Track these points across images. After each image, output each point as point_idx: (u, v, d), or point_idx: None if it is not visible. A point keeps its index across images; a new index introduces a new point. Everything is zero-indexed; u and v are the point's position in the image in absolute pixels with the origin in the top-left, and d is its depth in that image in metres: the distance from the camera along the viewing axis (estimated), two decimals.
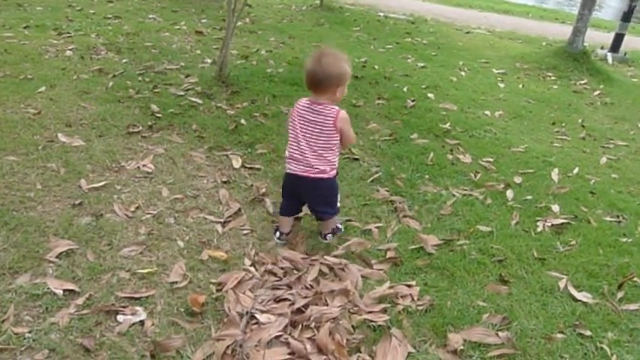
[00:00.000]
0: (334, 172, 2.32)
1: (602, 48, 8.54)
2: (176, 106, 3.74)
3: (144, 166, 2.92)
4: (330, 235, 2.45)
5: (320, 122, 2.22)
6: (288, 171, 2.33)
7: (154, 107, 3.67)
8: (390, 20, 8.74)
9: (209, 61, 4.92)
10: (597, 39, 9.00)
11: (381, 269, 2.30)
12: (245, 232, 2.47)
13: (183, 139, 3.32)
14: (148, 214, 2.50)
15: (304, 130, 2.24)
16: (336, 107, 2.24)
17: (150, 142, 3.22)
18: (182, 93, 4.01)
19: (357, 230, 2.58)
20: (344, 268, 2.25)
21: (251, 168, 3.06)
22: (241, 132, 3.48)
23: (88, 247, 2.23)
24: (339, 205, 2.47)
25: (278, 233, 2.43)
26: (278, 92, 4.26)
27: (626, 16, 8.38)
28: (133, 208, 2.52)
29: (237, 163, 3.08)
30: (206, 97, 3.98)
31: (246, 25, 6.61)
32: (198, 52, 5.22)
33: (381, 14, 9.18)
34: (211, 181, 2.88)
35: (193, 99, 3.91)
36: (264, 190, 2.81)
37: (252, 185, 2.87)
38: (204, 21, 6.57)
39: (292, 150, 2.29)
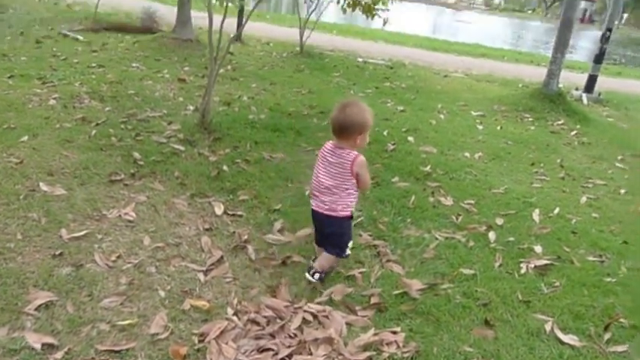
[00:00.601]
0: (346, 213, 2.46)
1: (577, 89, 8.81)
2: (158, 154, 3.75)
3: (125, 214, 2.89)
4: (317, 275, 2.47)
5: (338, 165, 2.40)
6: (311, 205, 2.54)
7: (137, 155, 3.67)
8: (369, 65, 8.95)
9: (191, 108, 4.96)
10: (572, 80, 9.29)
11: (365, 315, 2.28)
12: (227, 280, 2.45)
13: (166, 186, 3.31)
14: (129, 263, 2.47)
15: (324, 170, 2.44)
16: (356, 152, 2.41)
17: (132, 190, 3.20)
18: (164, 140, 4.03)
19: (340, 276, 2.56)
20: (328, 315, 2.23)
21: (233, 215, 3.05)
22: (223, 179, 3.48)
23: (68, 298, 2.18)
24: (348, 252, 2.56)
25: (314, 258, 2.57)
26: (260, 138, 4.29)
27: (598, 58, 8.71)
28: (114, 258, 2.48)
29: (219, 210, 3.07)
30: (188, 144, 4.00)
31: (228, 73, 6.71)
32: (181, 99, 5.27)
33: (360, 60, 9.41)
34: (193, 229, 2.86)
35: (176, 146, 3.92)
36: (246, 237, 2.80)
37: (234, 232, 2.85)
38: (186, 69, 6.66)
39: (313, 186, 2.51)
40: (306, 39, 8.78)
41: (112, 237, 2.67)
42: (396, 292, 2.46)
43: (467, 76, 9.40)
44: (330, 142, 2.47)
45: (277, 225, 2.96)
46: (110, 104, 4.77)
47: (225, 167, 3.65)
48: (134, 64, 6.48)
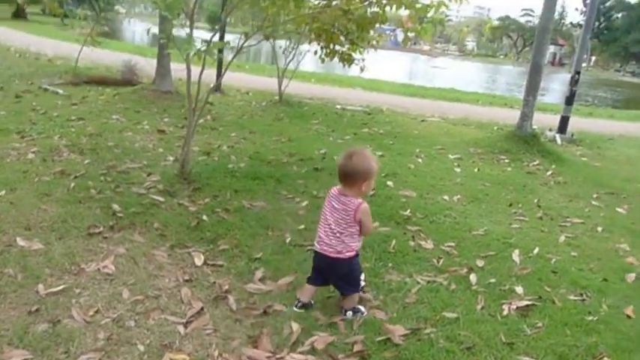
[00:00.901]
0: (351, 254, 2.58)
1: (550, 130, 9.08)
2: (138, 205, 3.73)
3: (104, 267, 2.85)
4: (350, 313, 2.61)
5: (343, 211, 2.54)
6: (315, 247, 2.65)
7: (116, 207, 3.65)
8: (347, 112, 9.13)
9: (171, 158, 4.98)
10: (545, 122, 9.57)
11: None
12: (208, 331, 2.40)
13: (145, 238, 3.28)
14: (108, 317, 2.42)
15: (329, 215, 2.58)
16: (359, 200, 2.55)
17: (111, 242, 3.17)
18: (144, 191, 4.02)
19: (322, 324, 2.54)
20: None
21: (213, 265, 3.02)
22: (203, 228, 3.47)
23: (44, 356, 2.12)
24: (362, 283, 2.75)
25: (297, 301, 2.64)
26: (240, 187, 4.31)
27: (569, 100, 9.03)
28: (91, 312, 2.43)
29: (199, 260, 3.04)
30: (168, 195, 3.99)
31: (208, 122, 6.78)
32: (161, 150, 5.30)
33: (339, 107, 9.61)
34: (173, 280, 2.82)
35: (155, 197, 3.92)
36: (227, 287, 2.77)
37: (214, 282, 2.82)
38: (166, 120, 6.72)
39: (319, 229, 2.63)
40: (284, 88, 8.96)
41: (90, 291, 2.62)
42: (379, 338, 2.44)
43: (443, 120, 9.62)
44: (337, 187, 2.61)
45: (258, 274, 2.94)
46: (89, 156, 4.77)
47: (205, 217, 3.64)
48: (114, 116, 6.52)
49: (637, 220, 4.80)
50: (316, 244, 2.64)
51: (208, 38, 4.08)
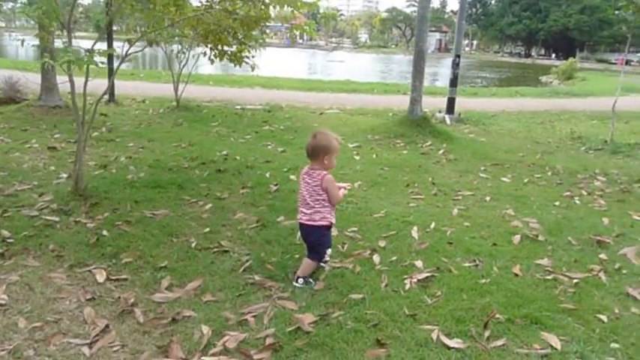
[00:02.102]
0: (324, 222, 2.97)
1: (440, 112, 9.63)
2: (30, 228, 3.52)
3: None
4: (301, 281, 2.94)
5: (312, 183, 2.94)
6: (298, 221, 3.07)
7: (5, 233, 3.42)
8: (247, 112, 9.12)
9: (65, 175, 4.73)
10: (437, 104, 10.13)
11: (261, 358, 2.29)
12: (115, 348, 2.34)
13: (40, 261, 3.11)
14: (3, 350, 2.28)
15: (304, 190, 2.98)
16: (324, 172, 2.95)
17: (2, 271, 2.97)
18: (36, 213, 3.80)
19: (233, 323, 2.55)
20: None
21: (117, 280, 2.93)
22: (104, 244, 3.35)
23: None
24: (326, 258, 3.14)
25: (296, 277, 2.98)
26: (140, 197, 4.19)
27: (453, 82, 9.62)
28: None
29: (101, 277, 2.94)
30: (63, 214, 3.80)
31: (103, 135, 6.50)
32: (53, 168, 5.01)
33: (238, 107, 9.57)
34: (74, 301, 2.70)
35: (49, 217, 3.71)
36: (132, 300, 2.70)
37: (119, 297, 2.74)
38: (57, 136, 6.36)
39: (299, 202, 3.04)
40: (181, 93, 8.77)
41: None
42: (290, 328, 2.50)
43: (341, 112, 9.89)
44: (306, 166, 3.03)
45: (165, 282, 2.89)
46: None
47: (105, 232, 3.51)
48: None
49: (519, 186, 5.25)
50: (298, 216, 3.05)
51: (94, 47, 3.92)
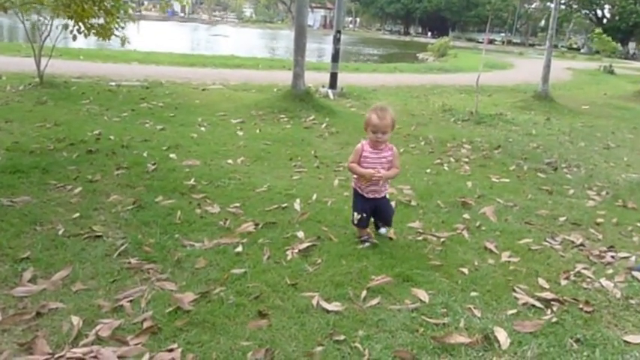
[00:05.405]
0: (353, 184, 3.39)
1: (323, 87, 9.77)
2: None
3: None
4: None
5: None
6: None
7: None
8: (123, 88, 8.59)
9: None
10: (322, 80, 10.24)
11: (138, 343, 2.20)
12: None
13: None
14: None
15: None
16: (359, 143, 3.38)
17: None
18: None
19: (107, 311, 2.42)
20: (96, 355, 2.09)
21: None
22: None
23: None
24: (354, 215, 3.31)
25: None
26: None
27: (334, 58, 9.78)
28: None
29: None
30: None
31: None
32: None
33: (113, 84, 8.98)
34: None
35: None
36: None
37: None
38: None
39: None
40: (44, 67, 8.02)
41: None
42: (169, 309, 2.42)
43: (225, 87, 9.68)
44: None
45: (27, 275, 2.65)
46: None
47: None
48: None
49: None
50: None
51: None
